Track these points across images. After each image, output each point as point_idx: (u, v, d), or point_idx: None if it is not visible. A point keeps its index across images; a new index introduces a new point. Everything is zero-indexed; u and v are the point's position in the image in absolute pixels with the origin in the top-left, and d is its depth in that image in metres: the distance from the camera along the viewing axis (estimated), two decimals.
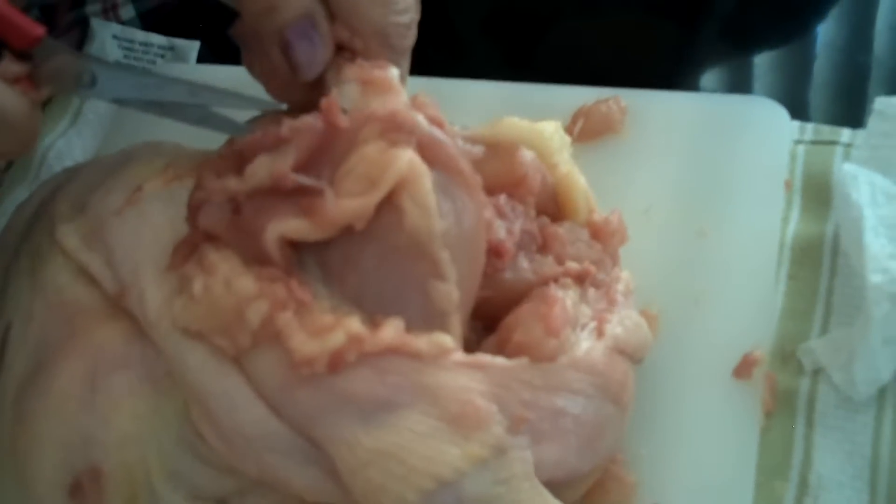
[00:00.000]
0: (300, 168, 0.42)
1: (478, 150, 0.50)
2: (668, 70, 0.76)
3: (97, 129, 0.71)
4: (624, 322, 0.48)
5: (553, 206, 0.52)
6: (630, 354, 0.47)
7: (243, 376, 0.43)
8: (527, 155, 0.51)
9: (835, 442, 0.51)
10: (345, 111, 0.43)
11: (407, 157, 0.42)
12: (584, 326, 0.47)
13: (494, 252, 0.48)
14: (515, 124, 0.52)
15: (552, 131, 0.53)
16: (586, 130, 0.59)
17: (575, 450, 0.44)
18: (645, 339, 0.49)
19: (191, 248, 0.44)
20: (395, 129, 0.42)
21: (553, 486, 0.44)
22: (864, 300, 0.51)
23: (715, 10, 0.77)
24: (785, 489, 0.50)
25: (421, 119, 0.43)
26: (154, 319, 0.44)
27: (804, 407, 0.52)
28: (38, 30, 0.43)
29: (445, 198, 0.43)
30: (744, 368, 0.52)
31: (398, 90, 0.45)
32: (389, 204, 0.42)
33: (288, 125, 0.43)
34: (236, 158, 0.43)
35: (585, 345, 0.46)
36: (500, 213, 0.49)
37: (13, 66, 0.43)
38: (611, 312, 0.48)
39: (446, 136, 0.44)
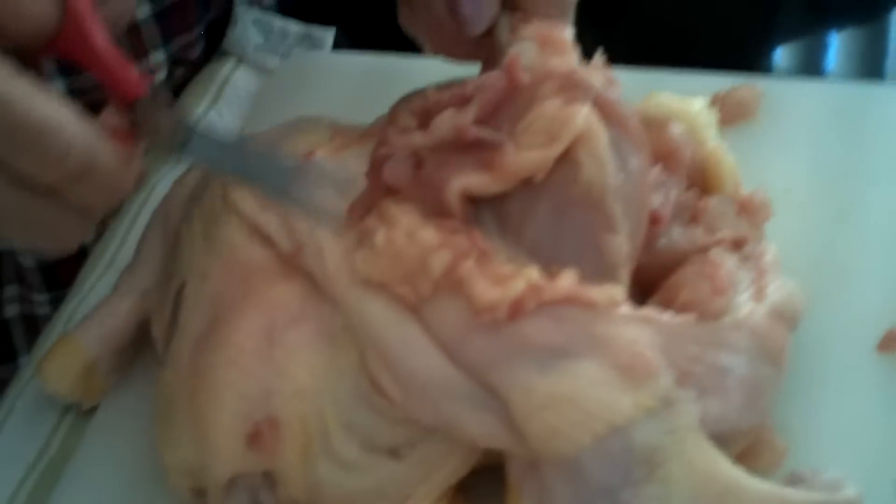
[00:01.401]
0: (482, 122, 0.44)
1: None
2: (748, 43, 0.76)
3: (237, 107, 0.73)
4: (781, 288, 0.49)
5: (701, 181, 0.54)
6: (788, 319, 0.48)
7: (421, 325, 0.45)
8: (677, 129, 0.52)
9: None
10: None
11: (584, 114, 0.44)
12: (743, 291, 0.48)
13: (651, 219, 0.49)
14: (665, 100, 0.53)
15: (700, 108, 0.54)
16: (724, 115, 0.60)
17: (736, 406, 0.45)
18: (800, 306, 0.50)
19: (368, 205, 0.46)
20: (573, 87, 0.44)
21: (714, 441, 0.45)
22: None
23: None
24: None
25: (596, 78, 0.45)
26: (333, 273, 0.46)
27: None
28: (142, 87, 0.43)
29: (618, 154, 0.45)
30: (888, 342, 0.53)
31: (572, 50, 0.47)
32: (567, 158, 0.44)
33: (472, 83, 0.44)
34: (420, 116, 0.45)
35: (747, 307, 0.47)
36: (656, 183, 0.50)
37: (113, 118, 0.42)
38: (767, 279, 0.49)
39: (620, 94, 0.46)
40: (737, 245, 0.50)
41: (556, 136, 0.44)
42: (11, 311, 0.77)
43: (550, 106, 0.44)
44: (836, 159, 0.61)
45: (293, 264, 0.48)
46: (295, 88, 0.72)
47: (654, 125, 0.52)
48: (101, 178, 0.40)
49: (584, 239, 0.45)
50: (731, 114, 0.61)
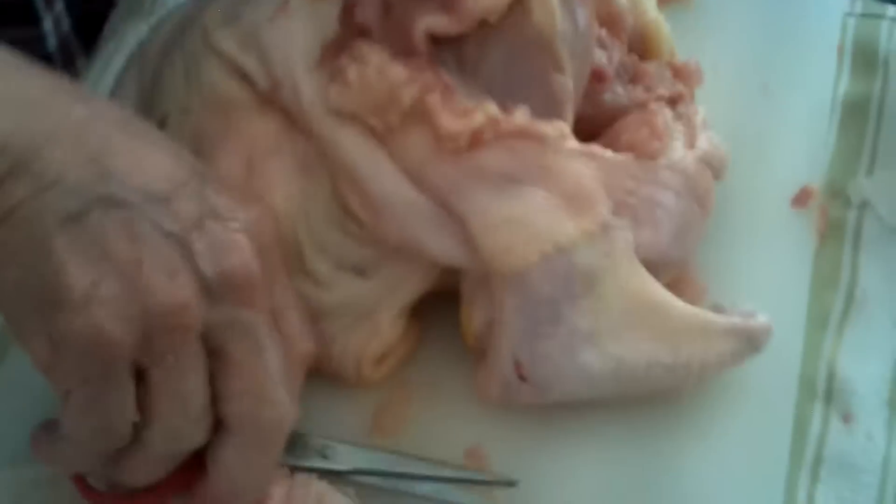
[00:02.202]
0: None
1: None
2: None
3: None
4: (709, 140, 0.55)
5: (640, 48, 0.59)
6: (714, 167, 0.54)
7: (390, 153, 0.49)
8: None
9: (878, 264, 0.58)
10: None
11: None
12: (677, 139, 0.54)
13: (596, 76, 0.55)
14: None
15: None
16: None
17: (666, 237, 0.51)
18: (725, 157, 0.56)
19: (341, 46, 0.51)
20: None
21: (646, 267, 0.51)
22: None
23: None
24: (834, 300, 0.57)
25: None
26: (308, 106, 0.50)
27: (851, 234, 0.59)
28: None
29: (566, 4, 0.50)
30: (801, 199, 0.59)
31: None
32: (520, 3, 0.49)
33: None
34: None
35: (679, 152, 0.53)
36: (601, 44, 0.56)
37: None
38: (697, 131, 0.55)
39: None
40: (672, 101, 0.55)
41: None
42: None
43: None
44: (761, 40, 0.66)
45: (270, 100, 0.52)
46: None
47: None
48: None
49: (533, 77, 0.50)
50: None
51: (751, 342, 0.51)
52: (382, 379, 0.53)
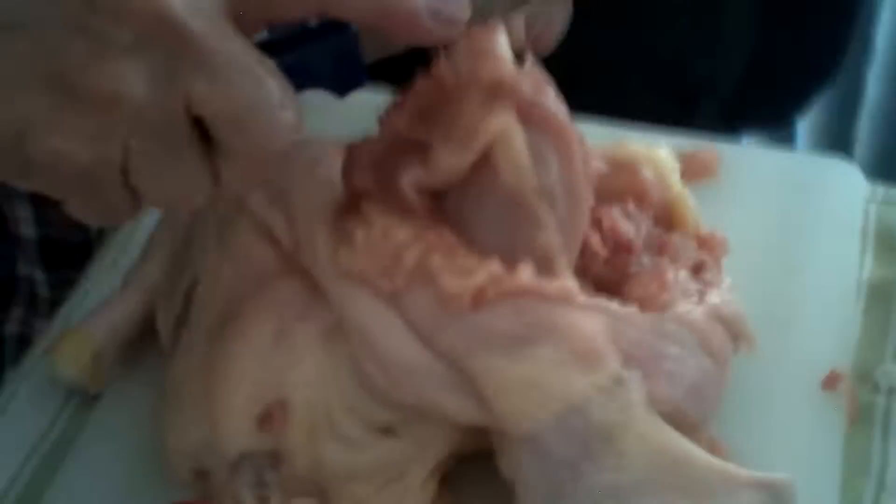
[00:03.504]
0: (416, 124, 0.49)
1: (603, 165, 0.58)
2: None
3: None
4: (723, 295, 0.55)
5: (666, 220, 0.60)
6: (728, 323, 0.54)
7: (399, 315, 0.50)
8: (648, 172, 0.58)
9: None
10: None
11: (500, 120, 0.49)
12: (690, 296, 0.54)
13: (625, 248, 0.55)
14: (636, 146, 0.59)
15: (667, 155, 0.60)
16: (687, 172, 0.66)
17: (679, 389, 0.51)
18: (740, 314, 0.55)
19: (347, 208, 0.52)
20: (495, 92, 0.49)
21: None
22: None
23: (716, 92, 0.86)
24: (865, 487, 0.55)
25: (525, 83, 0.50)
26: (323, 268, 0.51)
27: (881, 419, 0.58)
28: None
29: (539, 155, 0.50)
30: (830, 381, 0.58)
31: (504, 56, 0.50)
32: (487, 162, 0.49)
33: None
34: (379, 121, 0.51)
35: (689, 307, 0.53)
36: (629, 216, 0.56)
37: None
38: (711, 290, 0.55)
39: (550, 98, 0.50)
40: (696, 270, 0.55)
41: (471, 141, 0.49)
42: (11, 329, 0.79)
43: (469, 111, 0.49)
44: (786, 221, 0.66)
45: (295, 262, 0.53)
46: None
47: (627, 167, 0.58)
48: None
49: (512, 236, 0.50)
50: (694, 171, 0.67)
51: (776, 498, 0.49)
52: None
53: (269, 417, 0.51)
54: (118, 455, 0.58)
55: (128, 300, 0.60)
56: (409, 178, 0.50)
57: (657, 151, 0.60)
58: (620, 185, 0.58)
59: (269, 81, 0.43)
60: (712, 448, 0.52)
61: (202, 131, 0.44)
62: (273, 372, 0.51)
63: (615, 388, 0.48)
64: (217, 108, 0.43)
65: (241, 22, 0.43)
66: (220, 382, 0.51)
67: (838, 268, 0.64)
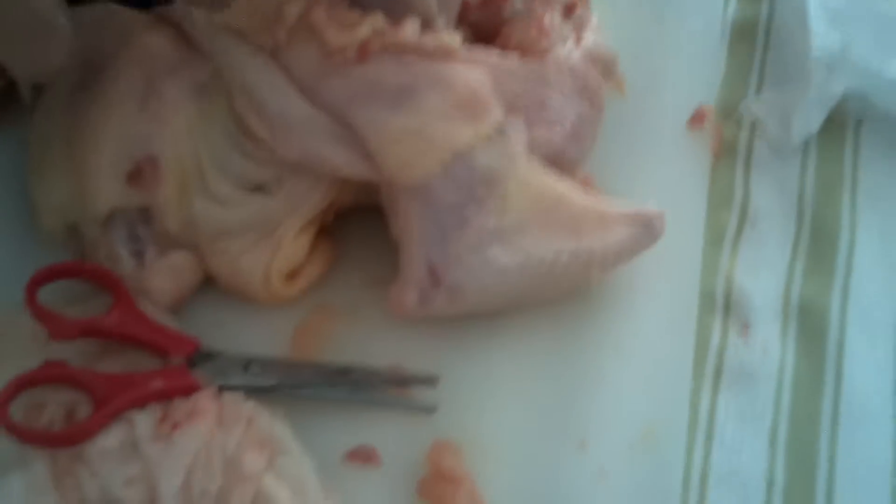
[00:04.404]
0: None
1: None
2: None
3: None
4: (595, 35, 0.56)
5: None
6: (602, 64, 0.55)
7: (282, 70, 0.50)
8: None
9: (768, 181, 0.60)
10: None
11: None
12: (566, 38, 0.55)
13: None
14: None
15: None
16: None
17: (559, 135, 0.53)
18: (614, 54, 0.56)
19: None
20: None
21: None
22: (801, 69, 0.60)
23: None
24: (728, 217, 0.59)
25: None
26: (201, 25, 0.50)
27: (743, 153, 0.61)
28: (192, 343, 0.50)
29: None
30: (696, 120, 0.61)
31: None
32: None
33: None
34: None
35: (567, 50, 0.54)
36: None
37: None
38: (585, 32, 0.56)
39: None
40: (568, 10, 0.56)
41: None
42: None
43: None
44: None
45: (164, 17, 0.52)
46: None
47: None
48: None
49: None
50: None
51: (647, 228, 0.52)
52: (297, 297, 0.54)
53: (139, 173, 0.51)
54: None
55: None
56: None
57: None
58: None
59: None
60: (586, 184, 0.54)
61: None
62: (142, 127, 0.51)
63: (497, 136, 0.50)
64: None
65: None
66: (86, 140, 0.51)
67: (703, 9, 0.66)
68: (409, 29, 0.50)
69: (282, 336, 0.53)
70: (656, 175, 0.59)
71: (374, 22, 0.49)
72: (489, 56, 0.52)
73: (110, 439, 0.47)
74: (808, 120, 0.60)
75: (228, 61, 0.50)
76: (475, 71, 0.51)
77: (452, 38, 0.51)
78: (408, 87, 0.49)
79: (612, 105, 0.58)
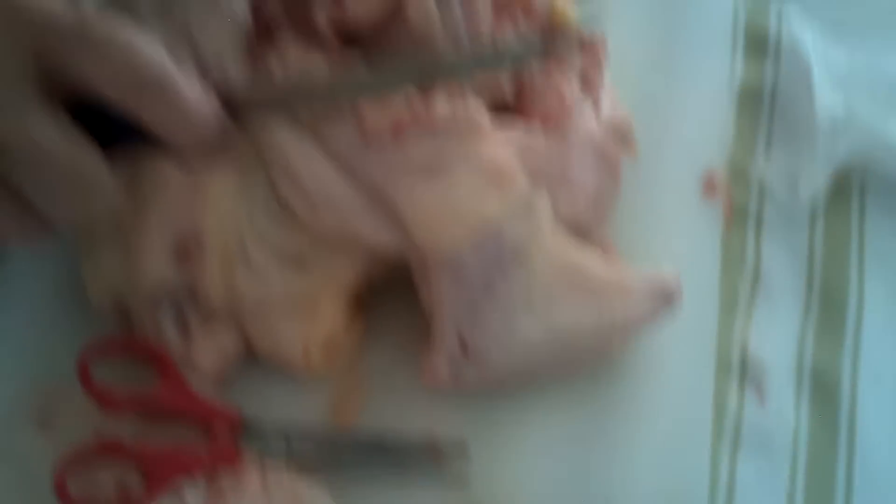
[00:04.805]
0: None
1: None
2: None
3: None
4: (611, 99, 0.58)
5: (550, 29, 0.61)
6: (617, 129, 0.57)
7: (320, 146, 0.52)
8: None
9: (778, 244, 0.62)
10: None
11: None
12: (583, 104, 0.57)
13: None
14: None
15: None
16: None
17: (581, 202, 0.55)
18: (629, 119, 0.58)
19: (262, 40, 0.52)
20: None
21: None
22: (807, 131, 0.62)
23: None
24: (741, 281, 0.61)
25: None
26: (241, 100, 0.51)
27: (754, 217, 0.63)
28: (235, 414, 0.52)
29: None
30: (709, 187, 0.62)
31: None
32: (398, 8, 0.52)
33: None
34: None
35: (586, 119, 0.56)
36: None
37: None
38: (601, 96, 0.58)
39: None
40: (584, 81, 0.58)
41: None
42: None
43: None
44: (660, 28, 0.69)
45: None
46: None
47: None
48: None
49: None
50: None
51: (666, 297, 0.54)
52: (334, 367, 0.55)
53: (185, 251, 0.52)
54: (40, 292, 0.58)
55: None
56: (325, 14, 0.51)
57: None
58: None
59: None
60: (605, 248, 0.56)
61: None
62: (184, 205, 0.52)
63: (524, 206, 0.52)
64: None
65: None
66: (135, 217, 0.52)
67: (711, 70, 0.67)
68: (440, 104, 0.52)
69: (319, 405, 0.55)
70: (670, 240, 0.61)
71: (407, 100, 0.51)
72: (514, 128, 0.54)
73: None
74: (815, 182, 0.62)
75: (267, 135, 0.52)
76: (502, 144, 0.53)
77: (481, 114, 0.53)
78: (438, 161, 0.51)
79: (624, 167, 0.58)
